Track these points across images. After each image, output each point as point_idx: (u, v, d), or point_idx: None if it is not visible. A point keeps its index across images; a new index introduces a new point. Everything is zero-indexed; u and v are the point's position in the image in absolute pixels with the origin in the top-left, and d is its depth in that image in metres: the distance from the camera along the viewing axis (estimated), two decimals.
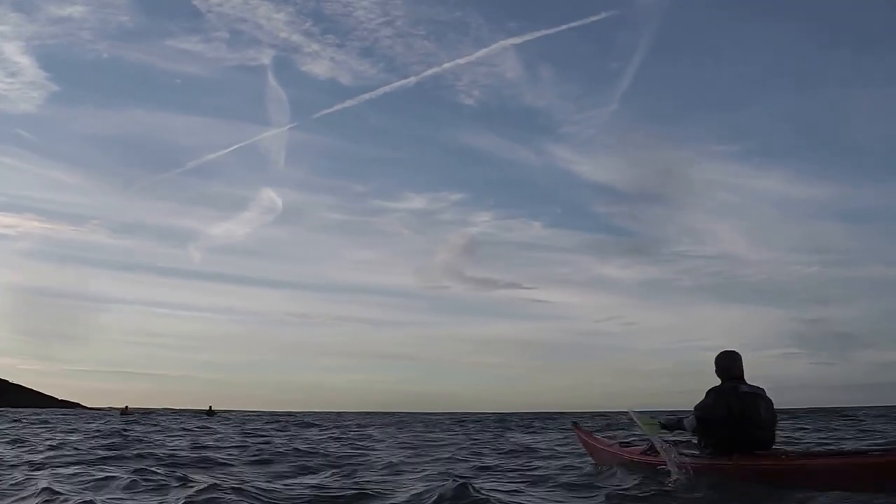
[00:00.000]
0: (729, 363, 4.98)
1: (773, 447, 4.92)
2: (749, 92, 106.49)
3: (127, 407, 40.93)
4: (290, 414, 60.07)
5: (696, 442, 5.17)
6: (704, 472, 4.81)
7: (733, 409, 4.74)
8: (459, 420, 33.61)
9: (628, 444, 6.19)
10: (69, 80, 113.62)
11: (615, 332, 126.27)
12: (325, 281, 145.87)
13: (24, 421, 26.43)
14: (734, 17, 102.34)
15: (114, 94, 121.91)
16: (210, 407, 43.77)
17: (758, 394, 4.85)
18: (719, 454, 4.81)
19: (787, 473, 4.37)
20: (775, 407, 4.95)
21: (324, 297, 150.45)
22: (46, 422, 25.78)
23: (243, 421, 30.79)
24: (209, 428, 20.33)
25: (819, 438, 12.89)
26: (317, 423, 27.76)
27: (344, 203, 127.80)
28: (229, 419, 34.23)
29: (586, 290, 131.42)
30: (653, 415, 5.61)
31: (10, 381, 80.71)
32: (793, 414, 36.45)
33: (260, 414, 57.57)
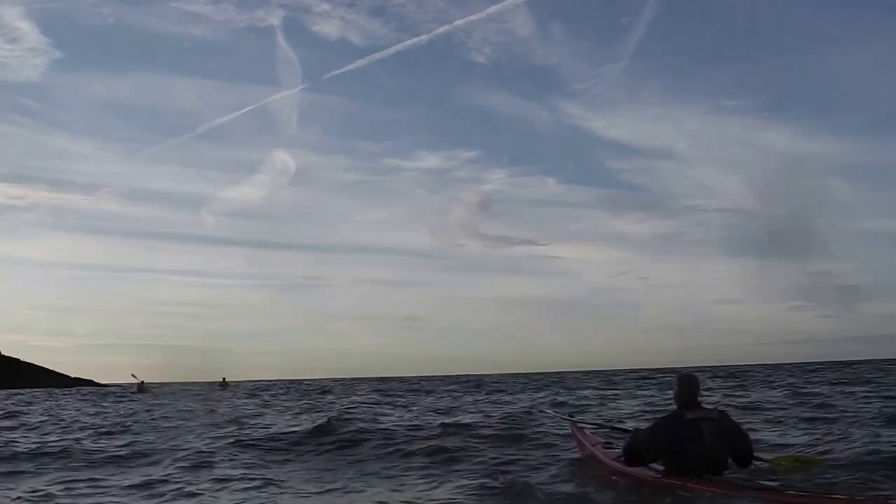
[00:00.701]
0: (679, 389, 5.08)
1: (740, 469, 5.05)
2: (758, 46, 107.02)
3: (143, 382, 41.58)
4: (306, 381, 61.20)
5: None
6: (638, 485, 5.16)
7: (674, 434, 4.88)
8: (476, 383, 34.44)
9: (610, 445, 6.25)
10: (73, 46, 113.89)
11: (629, 287, 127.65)
12: (340, 242, 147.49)
13: (48, 401, 27.19)
14: None
15: (120, 60, 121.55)
16: (223, 378, 44.56)
17: (704, 418, 4.91)
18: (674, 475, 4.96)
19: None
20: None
21: (339, 259, 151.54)
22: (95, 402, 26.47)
23: (256, 391, 31.55)
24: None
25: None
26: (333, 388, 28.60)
27: (357, 163, 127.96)
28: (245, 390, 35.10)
29: (600, 246, 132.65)
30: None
31: (22, 360, 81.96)
32: (803, 368, 37.26)
33: (275, 383, 58.70)
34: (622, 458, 5.37)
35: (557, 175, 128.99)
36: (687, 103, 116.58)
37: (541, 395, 20.28)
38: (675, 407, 5.09)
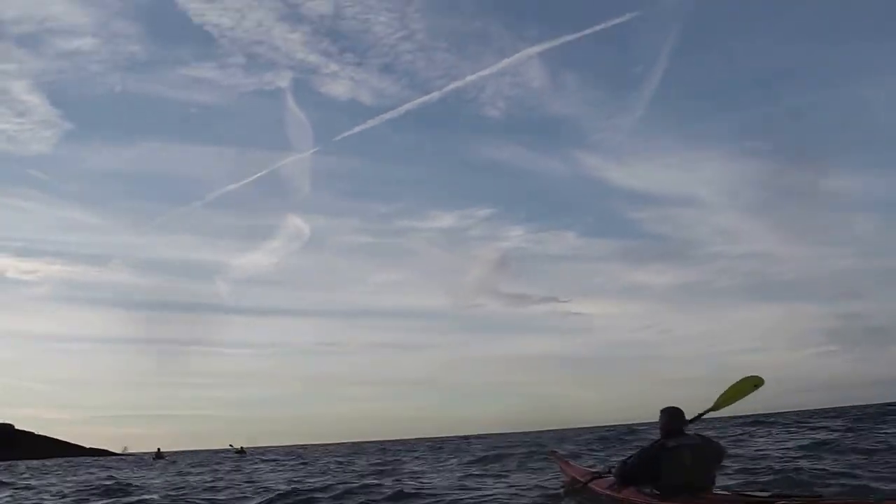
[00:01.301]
0: (666, 420, 5.82)
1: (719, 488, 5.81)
2: (775, 86, 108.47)
3: (159, 449, 41.78)
4: (322, 446, 60.73)
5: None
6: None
7: (657, 461, 5.62)
8: (493, 446, 34.31)
9: (600, 476, 6.91)
10: (81, 117, 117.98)
11: (651, 340, 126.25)
12: (355, 306, 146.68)
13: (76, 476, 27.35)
14: (755, 13, 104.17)
15: (128, 128, 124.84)
16: (241, 447, 44.55)
17: (686, 445, 5.60)
18: (658, 495, 5.65)
19: None
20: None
21: (354, 324, 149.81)
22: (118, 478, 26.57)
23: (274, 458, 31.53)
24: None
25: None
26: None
27: (371, 225, 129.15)
28: (264, 457, 35.18)
29: (621, 299, 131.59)
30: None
31: (36, 433, 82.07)
32: (826, 414, 36.90)
33: (291, 448, 58.37)
34: (614, 486, 6.13)
35: (576, 229, 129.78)
36: (706, 148, 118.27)
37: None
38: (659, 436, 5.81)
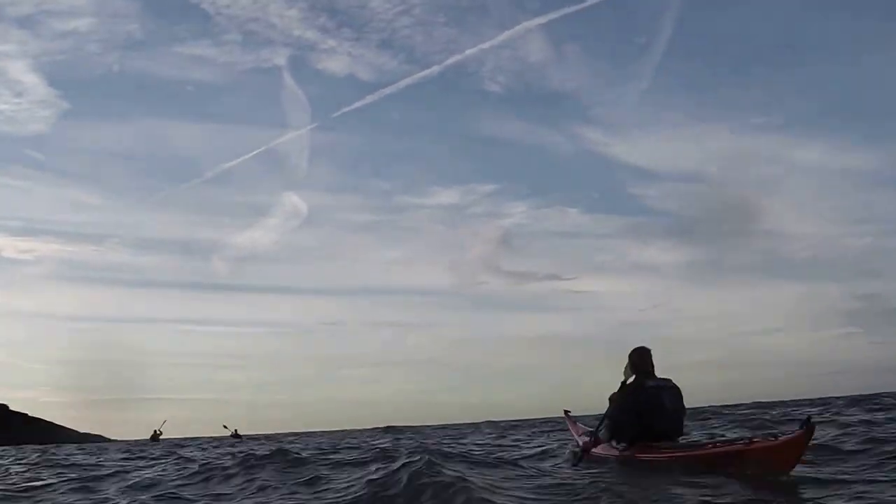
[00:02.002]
0: (639, 360, 5.75)
1: (682, 436, 5.69)
2: (785, 57, 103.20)
3: (156, 431, 40.56)
4: (327, 433, 59.72)
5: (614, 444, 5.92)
6: (609, 461, 5.73)
7: (640, 402, 5.53)
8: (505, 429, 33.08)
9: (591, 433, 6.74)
10: (79, 96, 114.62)
11: (661, 320, 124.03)
12: (357, 285, 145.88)
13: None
14: None
15: (125, 107, 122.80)
16: (235, 430, 43.37)
17: (662, 386, 5.56)
18: (629, 444, 5.60)
19: (674, 461, 5.09)
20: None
21: (356, 302, 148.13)
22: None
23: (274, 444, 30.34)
24: None
25: None
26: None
27: (370, 202, 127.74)
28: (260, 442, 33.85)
29: (629, 277, 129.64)
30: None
31: (30, 415, 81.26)
32: (855, 400, 35.64)
33: (293, 436, 57.26)
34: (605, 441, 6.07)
35: (580, 205, 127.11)
36: (713, 122, 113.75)
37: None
38: (628, 379, 5.75)
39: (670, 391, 5.60)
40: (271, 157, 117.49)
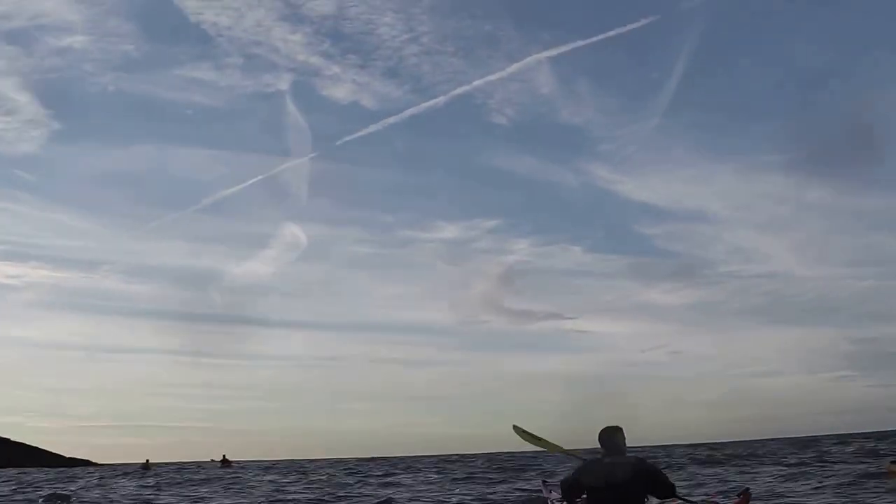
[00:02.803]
0: (605, 438, 6.18)
1: None
2: (795, 97, 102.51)
3: (148, 461, 40.55)
4: (315, 461, 59.56)
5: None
6: None
7: (592, 473, 6.02)
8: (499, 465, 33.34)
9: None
10: (72, 117, 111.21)
11: (662, 361, 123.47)
12: (355, 320, 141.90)
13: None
14: (778, 21, 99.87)
15: (120, 130, 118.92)
16: (224, 456, 43.20)
17: (619, 463, 5.96)
18: None
19: None
20: None
21: (353, 338, 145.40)
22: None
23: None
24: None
25: None
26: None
27: (372, 235, 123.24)
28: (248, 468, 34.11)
29: (631, 318, 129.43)
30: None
31: (12, 440, 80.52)
32: (843, 440, 36.14)
33: (278, 462, 57.10)
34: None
35: (584, 243, 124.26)
36: (722, 161, 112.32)
37: None
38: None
39: (626, 466, 5.96)
40: (271, 185, 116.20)
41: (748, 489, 5.57)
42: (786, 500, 9.19)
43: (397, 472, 21.88)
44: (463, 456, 58.87)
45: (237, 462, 46.06)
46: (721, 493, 6.11)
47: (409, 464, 33.09)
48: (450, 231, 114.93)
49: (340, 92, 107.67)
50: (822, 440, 38.95)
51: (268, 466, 43.27)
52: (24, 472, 43.83)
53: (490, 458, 45.57)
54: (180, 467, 44.85)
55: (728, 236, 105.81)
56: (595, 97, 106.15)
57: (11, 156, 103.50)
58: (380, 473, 21.76)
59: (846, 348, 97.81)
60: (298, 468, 30.94)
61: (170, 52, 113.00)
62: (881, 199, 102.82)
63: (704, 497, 6.19)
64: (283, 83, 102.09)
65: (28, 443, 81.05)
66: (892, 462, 10.69)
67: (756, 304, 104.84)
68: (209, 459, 47.81)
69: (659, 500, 6.14)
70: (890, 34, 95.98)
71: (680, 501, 6.21)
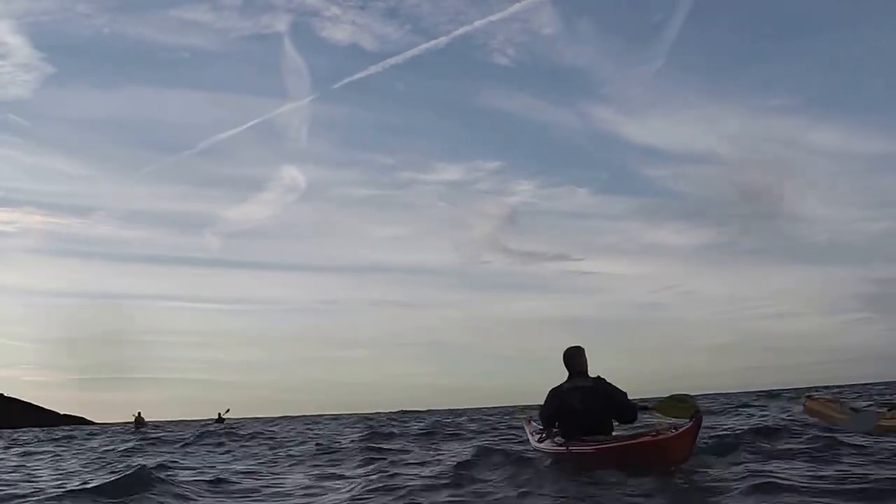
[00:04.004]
0: (567, 360, 6.31)
1: (613, 432, 6.11)
2: (805, 38, 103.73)
3: (139, 415, 39.64)
4: (317, 417, 59.28)
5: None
6: (548, 455, 6.28)
7: (564, 403, 6.12)
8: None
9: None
10: (66, 60, 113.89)
11: (671, 303, 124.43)
12: (355, 262, 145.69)
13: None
14: None
15: (115, 73, 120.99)
16: (219, 414, 42.49)
17: (578, 387, 6.08)
18: (565, 441, 6.09)
19: (597, 453, 5.55)
20: None
21: (353, 280, 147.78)
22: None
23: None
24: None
25: None
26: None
27: (372, 177, 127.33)
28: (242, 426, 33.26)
29: (638, 259, 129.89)
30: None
31: (5, 395, 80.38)
32: (865, 390, 35.33)
33: (277, 419, 56.82)
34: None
35: (589, 185, 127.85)
36: (728, 103, 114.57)
37: None
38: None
39: (585, 390, 6.04)
40: (269, 128, 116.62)
41: (699, 412, 5.40)
42: None
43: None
44: (454, 411, 58.45)
45: (230, 420, 45.27)
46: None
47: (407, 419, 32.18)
48: (451, 172, 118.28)
49: (340, 33, 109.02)
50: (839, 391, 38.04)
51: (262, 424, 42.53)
52: (17, 433, 43.26)
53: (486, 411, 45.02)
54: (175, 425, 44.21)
55: (737, 178, 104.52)
56: (598, 38, 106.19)
57: (3, 100, 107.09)
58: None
59: (864, 289, 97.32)
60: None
61: None
62: (892, 142, 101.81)
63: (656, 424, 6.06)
64: (282, 25, 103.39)
65: (24, 399, 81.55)
66: (808, 396, 10.28)
67: (768, 244, 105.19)
68: (209, 415, 47.03)
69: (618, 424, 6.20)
70: None
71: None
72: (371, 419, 40.28)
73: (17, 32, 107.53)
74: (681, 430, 5.29)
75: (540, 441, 6.79)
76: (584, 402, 6.00)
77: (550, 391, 6.33)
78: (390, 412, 67.29)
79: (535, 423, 8.43)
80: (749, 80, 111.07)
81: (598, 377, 6.16)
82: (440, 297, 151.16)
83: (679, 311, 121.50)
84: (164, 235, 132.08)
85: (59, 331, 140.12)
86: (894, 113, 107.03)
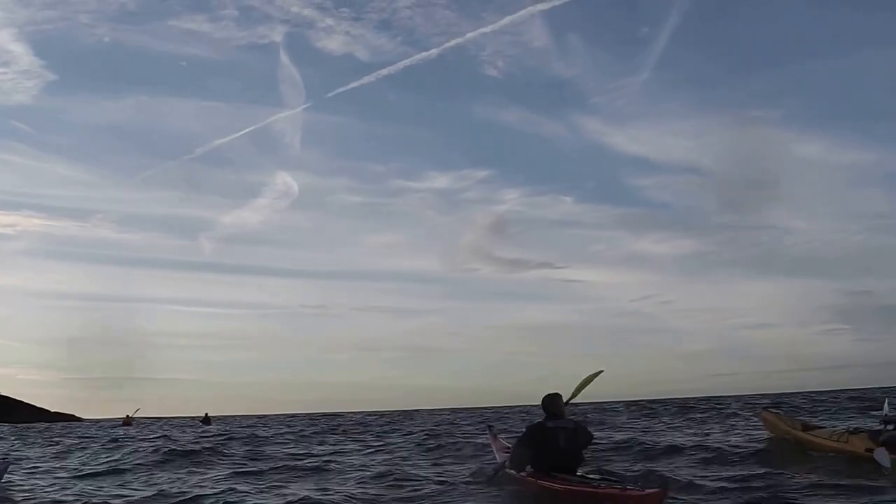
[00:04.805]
0: (548, 404, 7.00)
1: (583, 468, 6.94)
2: (788, 53, 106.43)
3: (128, 416, 40.83)
4: (306, 416, 60.58)
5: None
6: (514, 482, 7.11)
7: (536, 440, 6.81)
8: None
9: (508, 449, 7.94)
10: (67, 68, 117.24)
11: (652, 312, 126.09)
12: (345, 268, 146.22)
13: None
14: None
15: (115, 81, 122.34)
16: (206, 414, 43.39)
17: (561, 427, 6.79)
18: (535, 473, 6.82)
19: (563, 493, 6.25)
20: None
21: (343, 286, 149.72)
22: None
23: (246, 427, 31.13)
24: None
25: None
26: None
27: (363, 185, 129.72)
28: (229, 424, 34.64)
29: (621, 268, 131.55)
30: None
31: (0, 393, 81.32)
32: (834, 396, 36.90)
33: (266, 418, 58.09)
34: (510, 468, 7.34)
35: (575, 194, 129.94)
36: (711, 115, 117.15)
37: None
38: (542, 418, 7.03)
39: (568, 431, 6.81)
40: (264, 136, 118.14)
41: (667, 481, 6.29)
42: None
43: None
44: (433, 410, 59.81)
45: (215, 419, 46.37)
46: (639, 481, 6.60)
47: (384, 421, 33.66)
48: (440, 181, 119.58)
49: (334, 44, 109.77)
50: (798, 397, 39.67)
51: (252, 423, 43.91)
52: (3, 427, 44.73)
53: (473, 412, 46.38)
54: (164, 423, 45.54)
55: (719, 189, 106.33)
56: (587, 51, 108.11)
57: (6, 106, 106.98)
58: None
59: (837, 301, 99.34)
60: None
61: (165, 4, 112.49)
62: (873, 155, 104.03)
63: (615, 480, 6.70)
64: (277, 35, 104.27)
65: (15, 396, 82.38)
66: (765, 408, 10.99)
67: (747, 255, 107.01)
68: (198, 413, 48.26)
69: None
70: None
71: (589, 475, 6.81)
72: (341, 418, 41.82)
73: (20, 40, 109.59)
74: (648, 492, 5.77)
75: (508, 467, 7.47)
76: (567, 442, 6.73)
77: (533, 426, 7.03)
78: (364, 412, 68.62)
79: (501, 440, 9.31)
80: (732, 93, 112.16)
81: (575, 420, 7.04)
82: (426, 303, 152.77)
83: (659, 319, 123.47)
84: (160, 239, 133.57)
85: (55, 332, 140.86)
86: (876, 127, 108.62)
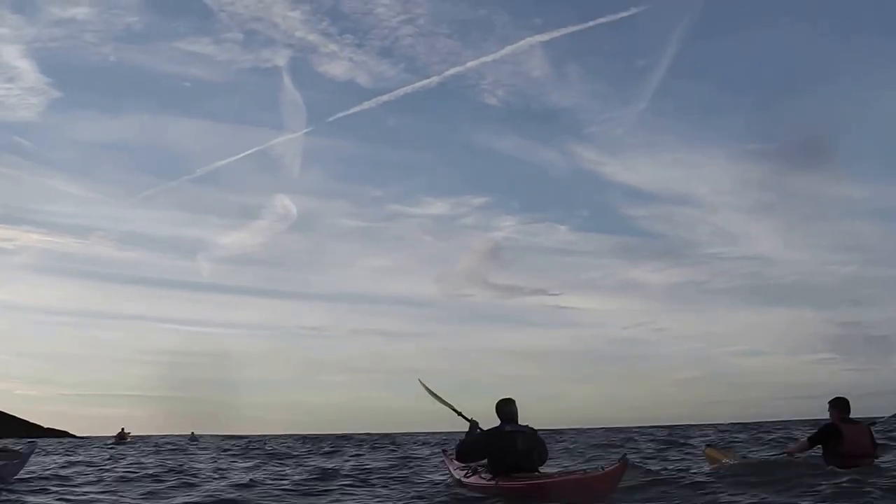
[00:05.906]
0: (504, 408, 7.25)
1: (541, 469, 7.15)
2: (783, 87, 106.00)
3: (122, 430, 40.97)
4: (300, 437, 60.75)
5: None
6: (477, 489, 7.21)
7: (507, 443, 6.99)
8: None
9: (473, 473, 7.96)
10: (71, 85, 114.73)
11: (644, 339, 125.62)
12: (341, 291, 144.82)
13: None
14: (768, 10, 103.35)
15: (118, 99, 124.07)
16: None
17: (518, 431, 7.07)
18: (494, 476, 7.03)
19: (527, 489, 6.57)
20: None
21: (339, 308, 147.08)
22: None
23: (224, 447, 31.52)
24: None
25: None
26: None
27: (361, 209, 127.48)
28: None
29: (614, 296, 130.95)
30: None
31: None
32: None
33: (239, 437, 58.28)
34: (456, 459, 7.72)
35: (570, 222, 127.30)
36: (708, 147, 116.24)
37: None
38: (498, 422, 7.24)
39: (525, 435, 7.08)
40: (264, 158, 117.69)
41: (625, 456, 6.40)
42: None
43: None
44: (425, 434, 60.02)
45: (202, 436, 46.62)
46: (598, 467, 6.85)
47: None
48: (437, 207, 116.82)
49: (336, 69, 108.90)
50: (789, 425, 39.95)
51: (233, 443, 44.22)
52: None
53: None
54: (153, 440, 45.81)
55: (713, 219, 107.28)
56: (584, 82, 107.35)
57: (10, 122, 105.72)
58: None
59: (828, 331, 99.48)
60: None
61: (171, 26, 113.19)
62: (864, 189, 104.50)
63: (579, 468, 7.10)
64: (281, 59, 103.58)
65: (9, 412, 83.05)
66: (708, 445, 11.23)
67: (739, 285, 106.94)
68: (183, 431, 48.66)
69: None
70: (872, 24, 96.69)
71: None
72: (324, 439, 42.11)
73: (26, 57, 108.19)
74: (607, 470, 6.10)
75: (467, 476, 7.66)
76: (525, 444, 6.97)
77: (490, 430, 7.25)
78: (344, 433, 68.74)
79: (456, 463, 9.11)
80: (728, 125, 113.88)
81: (528, 425, 7.22)
82: (420, 327, 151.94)
83: (651, 346, 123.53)
84: (158, 258, 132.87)
85: (52, 347, 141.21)
86: (869, 160, 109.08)
